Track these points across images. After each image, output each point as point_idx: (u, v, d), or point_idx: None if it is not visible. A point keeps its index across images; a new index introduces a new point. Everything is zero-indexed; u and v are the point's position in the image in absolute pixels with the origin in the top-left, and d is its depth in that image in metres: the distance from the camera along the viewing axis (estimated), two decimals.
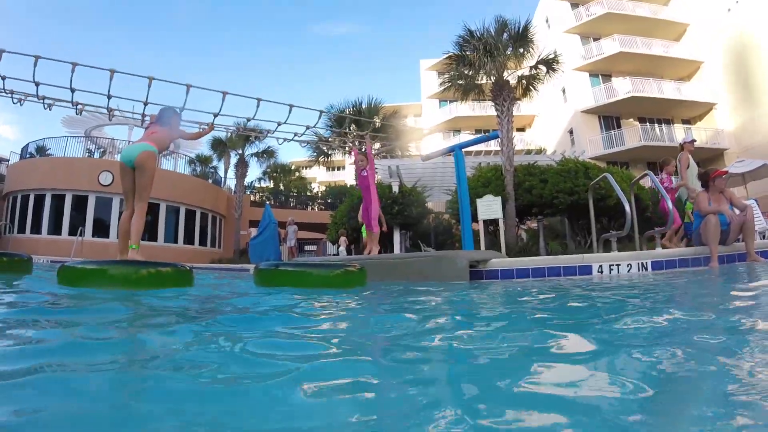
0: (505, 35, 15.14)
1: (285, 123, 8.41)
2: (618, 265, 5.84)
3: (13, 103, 7.98)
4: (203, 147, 29.52)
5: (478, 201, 11.45)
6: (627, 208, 6.49)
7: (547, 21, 32.82)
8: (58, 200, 20.79)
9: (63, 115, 26.30)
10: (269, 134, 8.86)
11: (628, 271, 5.84)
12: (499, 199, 12.41)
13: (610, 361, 1.46)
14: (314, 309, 3.12)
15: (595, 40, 31.26)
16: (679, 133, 29.83)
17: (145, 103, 7.40)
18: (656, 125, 30.15)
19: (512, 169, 13.74)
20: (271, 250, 15.01)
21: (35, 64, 6.76)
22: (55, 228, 20.48)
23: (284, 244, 18.70)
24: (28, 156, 24.15)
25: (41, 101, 7.76)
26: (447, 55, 15.37)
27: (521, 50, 15.15)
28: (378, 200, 8.01)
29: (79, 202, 20.89)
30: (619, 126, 30.32)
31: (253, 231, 17.40)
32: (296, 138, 8.56)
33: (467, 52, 15.05)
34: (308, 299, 3.49)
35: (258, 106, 7.72)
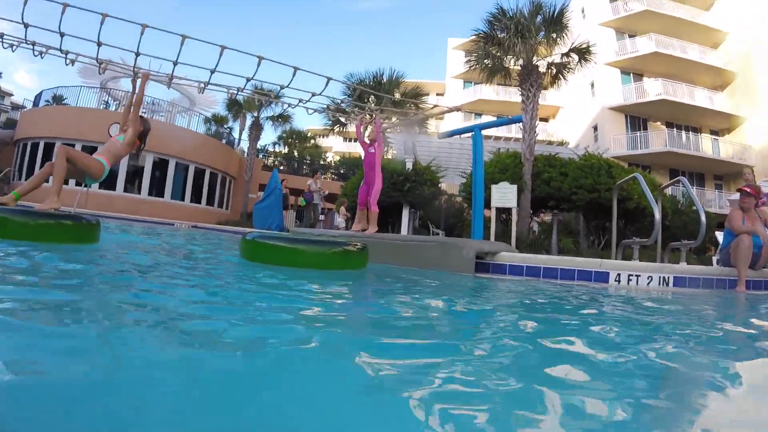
0: (538, 18, 14.42)
1: (292, 87, 7.82)
2: (638, 276, 5.35)
3: (34, 55, 7.50)
4: (219, 107, 29.09)
5: (493, 187, 10.92)
6: (657, 214, 5.94)
7: (582, 11, 31.70)
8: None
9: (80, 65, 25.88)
10: (279, 98, 8.26)
11: (648, 284, 5.34)
12: (515, 187, 11.85)
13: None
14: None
15: (630, 36, 30.29)
16: (706, 143, 29.08)
17: (137, 54, 6.81)
18: (683, 132, 29.29)
19: (532, 158, 13.18)
20: (275, 216, 14.64)
21: (63, 12, 6.25)
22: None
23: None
24: (43, 104, 23.78)
25: (64, 55, 7.23)
26: (475, 34, 14.67)
27: (554, 35, 14.45)
28: (382, 180, 7.44)
29: (89, 152, 20.52)
30: (645, 128, 29.51)
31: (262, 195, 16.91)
32: (302, 103, 7.90)
33: (497, 32, 14.38)
34: (287, 283, 3.05)
35: (275, 70, 7.01)
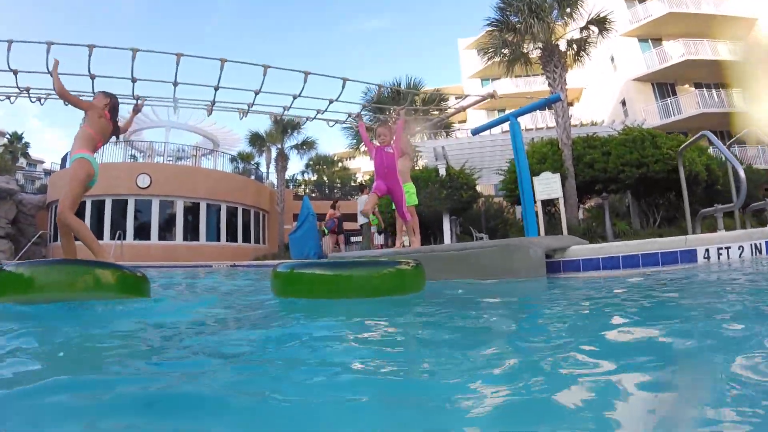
0: None
1: (325, 110, 7.31)
2: (728, 248, 4.64)
3: (32, 102, 7.20)
4: (242, 143, 29.14)
5: (535, 179, 10.27)
6: (741, 173, 5.16)
7: None
8: (99, 205, 20.56)
9: None
10: (309, 120, 7.70)
11: (740, 256, 4.64)
12: (557, 176, 11.21)
13: None
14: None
15: (640, 2, 29.19)
16: (738, 98, 27.65)
17: (133, 80, 6.39)
18: (713, 90, 27.97)
19: (570, 142, 12.49)
20: (312, 243, 14.21)
21: (48, 51, 5.90)
22: (97, 233, 20.26)
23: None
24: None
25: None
26: (488, 23, 14.09)
27: (568, 10, 13.77)
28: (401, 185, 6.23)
29: (119, 206, 20.62)
30: (674, 93, 28.33)
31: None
32: (320, 114, 7.36)
33: (510, 17, 13.77)
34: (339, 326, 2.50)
35: (305, 82, 6.40)
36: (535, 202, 10.16)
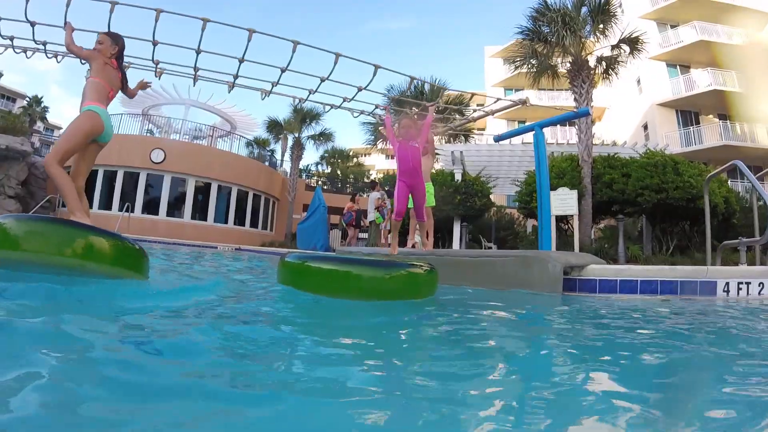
0: (584, 10, 13.60)
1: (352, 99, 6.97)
2: (748, 283, 4.48)
3: (48, 57, 7.04)
4: (259, 129, 29.09)
5: (552, 194, 10.08)
6: None
7: (620, 5, 30.42)
8: (110, 176, 20.56)
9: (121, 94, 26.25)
10: (334, 108, 7.34)
11: (759, 293, 4.47)
12: (575, 193, 11.06)
13: None
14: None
15: (672, 27, 28.88)
16: (761, 133, 27.26)
17: (154, 43, 6.07)
18: (738, 123, 27.59)
19: (590, 159, 12.30)
20: (320, 235, 14.12)
21: (68, 5, 5.66)
22: (106, 204, 20.29)
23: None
24: None
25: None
26: (519, 31, 13.91)
27: (601, 26, 13.57)
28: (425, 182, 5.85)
29: (131, 179, 20.60)
30: (698, 122, 28.00)
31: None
32: (347, 102, 7.07)
33: (542, 28, 13.58)
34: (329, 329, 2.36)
35: (336, 63, 6.04)
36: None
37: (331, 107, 7.14)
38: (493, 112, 7.84)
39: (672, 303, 4.10)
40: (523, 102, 7.71)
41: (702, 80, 27.06)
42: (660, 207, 11.31)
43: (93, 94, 3.77)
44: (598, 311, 3.57)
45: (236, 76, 6.60)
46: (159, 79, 6.28)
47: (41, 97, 41.51)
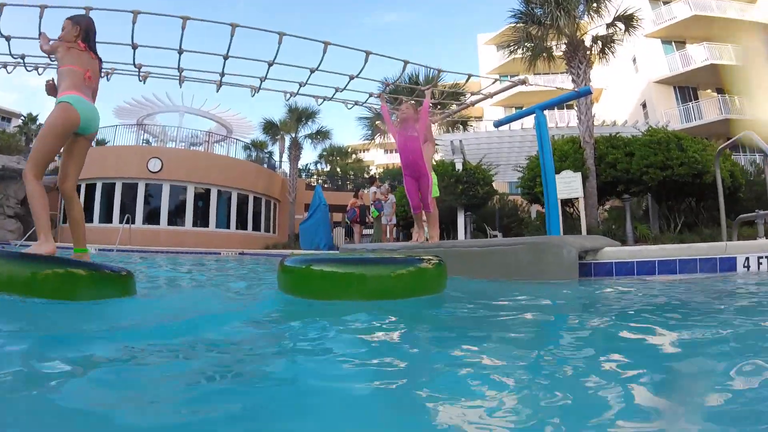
0: None
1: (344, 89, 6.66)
2: None
3: (28, 70, 6.82)
4: (256, 131, 28.94)
5: (556, 177, 9.92)
6: None
7: None
8: (109, 188, 20.42)
9: (114, 106, 26.22)
10: (326, 100, 6.98)
11: None
12: (579, 175, 10.88)
13: None
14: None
15: (665, 3, 28.64)
16: (762, 105, 27.05)
17: (134, 47, 5.78)
18: (736, 97, 27.36)
19: (592, 141, 12.10)
20: (322, 234, 13.96)
21: (41, 16, 5.42)
22: (106, 216, 20.15)
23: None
24: None
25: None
26: (512, 14, 13.69)
27: (595, 4, 13.32)
28: (431, 172, 5.81)
29: (129, 190, 20.44)
30: (696, 98, 27.75)
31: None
32: (339, 92, 6.78)
33: (535, 10, 13.35)
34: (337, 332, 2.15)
35: (325, 53, 5.73)
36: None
37: (324, 99, 6.86)
38: (491, 95, 7.63)
39: (699, 283, 3.91)
40: (523, 81, 7.51)
41: (698, 55, 26.84)
42: (666, 184, 11.12)
43: (63, 83, 3.37)
44: (627, 297, 3.39)
45: (222, 74, 6.33)
46: (143, 83, 6.05)
47: (36, 115, 41.27)
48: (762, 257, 4.30)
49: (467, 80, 6.86)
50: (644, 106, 29.36)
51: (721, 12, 27.03)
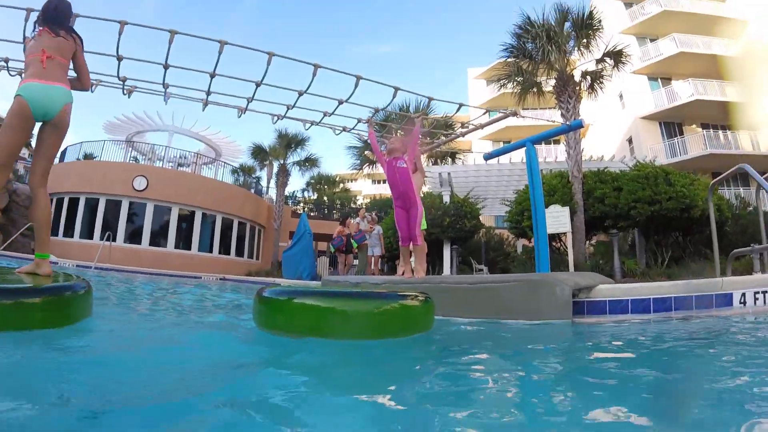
0: (567, 24, 13.52)
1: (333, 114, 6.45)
2: (765, 292, 4.18)
3: (11, 75, 6.50)
4: (244, 156, 28.76)
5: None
6: None
7: (599, 21, 30.79)
8: (92, 204, 20.05)
9: (104, 121, 25.98)
10: (314, 124, 6.72)
11: None
12: (567, 209, 10.81)
13: None
14: None
15: (651, 40, 29.29)
16: (744, 139, 27.53)
17: (119, 59, 5.55)
18: (720, 131, 27.84)
19: (580, 175, 12.09)
20: (306, 263, 13.70)
21: (26, 19, 5.11)
22: (88, 232, 19.73)
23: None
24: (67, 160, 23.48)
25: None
26: (504, 48, 13.79)
27: (585, 40, 13.49)
28: (421, 204, 5.55)
29: (113, 207, 20.07)
30: (681, 133, 28.20)
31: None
32: (327, 116, 6.53)
33: (526, 44, 13.46)
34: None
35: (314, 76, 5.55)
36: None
37: (312, 123, 6.65)
38: (482, 126, 7.51)
39: (700, 321, 3.77)
40: (514, 113, 7.41)
41: (684, 91, 27.32)
42: (653, 219, 11.11)
43: (26, 73, 3.19)
44: (627, 341, 3.22)
45: (209, 92, 6.08)
46: (129, 97, 5.82)
47: None
48: (759, 292, 4.18)
49: (458, 109, 6.73)
50: (630, 141, 29.73)
51: (706, 48, 27.64)
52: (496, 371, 2.25)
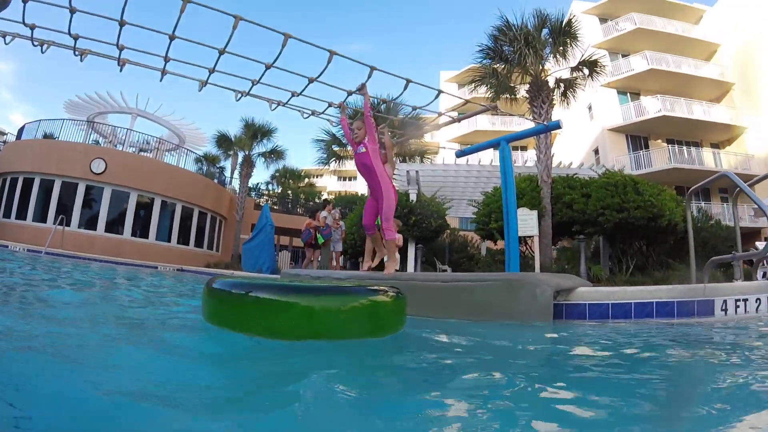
0: (545, 31, 13.45)
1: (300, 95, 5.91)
2: (745, 300, 4.07)
3: (6, 44, 5.86)
4: (208, 144, 28.01)
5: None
6: None
7: (577, 31, 31.19)
8: (47, 185, 19.13)
9: (65, 100, 24.91)
10: (280, 105, 6.15)
11: (757, 310, 4.08)
12: (535, 213, 10.70)
13: None
14: None
15: (623, 56, 29.85)
16: (707, 156, 28.48)
17: (172, 37, 4.92)
18: (684, 147, 28.58)
19: (550, 180, 12.02)
20: (266, 256, 13.29)
21: None
22: (41, 216, 18.79)
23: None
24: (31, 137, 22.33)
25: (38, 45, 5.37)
26: (480, 49, 13.63)
27: (561, 48, 13.45)
28: (395, 192, 5.14)
29: (69, 190, 19.17)
30: (647, 146, 28.85)
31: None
32: (292, 102, 5.99)
33: (503, 47, 13.33)
34: None
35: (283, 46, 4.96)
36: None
37: (278, 104, 6.17)
38: (458, 119, 7.24)
39: (688, 328, 3.60)
40: (495, 107, 7.16)
41: (652, 106, 27.97)
42: (621, 226, 11.10)
43: None
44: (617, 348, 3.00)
45: (167, 59, 5.33)
46: (81, 60, 5.23)
47: None
48: (740, 300, 4.07)
49: (438, 96, 6.43)
50: (596, 151, 30.24)
51: (676, 67, 28.27)
52: (471, 381, 1.96)
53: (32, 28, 4.81)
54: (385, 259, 5.18)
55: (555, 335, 3.22)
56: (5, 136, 40.56)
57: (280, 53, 5.08)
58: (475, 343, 2.93)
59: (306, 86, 5.72)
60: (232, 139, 25.90)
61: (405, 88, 5.83)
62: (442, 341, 2.93)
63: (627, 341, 3.15)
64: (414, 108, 7.06)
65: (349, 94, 5.85)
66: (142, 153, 24.46)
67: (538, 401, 1.62)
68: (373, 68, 5.43)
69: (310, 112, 6.45)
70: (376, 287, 2.69)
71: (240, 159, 26.30)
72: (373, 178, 4.84)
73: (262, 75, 5.47)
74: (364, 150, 4.88)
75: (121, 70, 5.26)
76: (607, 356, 2.63)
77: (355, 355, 2.27)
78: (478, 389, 1.75)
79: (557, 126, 6.15)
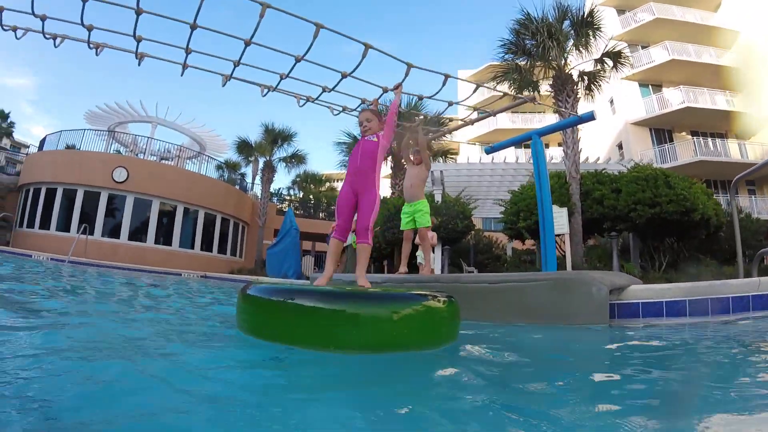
0: (566, 23, 13.17)
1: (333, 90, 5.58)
2: None
3: (17, 38, 5.75)
4: (229, 151, 28.09)
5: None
6: None
7: (600, 21, 30.71)
8: (70, 195, 19.31)
9: (86, 110, 25.18)
10: (310, 101, 5.81)
11: None
12: (565, 210, 10.41)
13: None
14: None
15: (643, 47, 29.25)
16: (733, 148, 27.61)
17: (188, 50, 4.70)
18: (710, 139, 27.84)
19: (578, 176, 11.72)
20: (291, 261, 13.13)
21: None
22: (64, 224, 18.95)
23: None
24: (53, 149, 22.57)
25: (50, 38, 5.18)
26: (501, 44, 13.36)
27: (584, 39, 13.13)
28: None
29: (91, 199, 19.32)
30: (671, 139, 28.15)
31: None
32: (323, 98, 5.60)
33: (525, 41, 13.07)
34: None
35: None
36: (539, 236, 9.32)
37: (308, 100, 5.95)
38: (495, 113, 7.02)
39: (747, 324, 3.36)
40: (532, 99, 6.92)
41: (674, 98, 27.34)
42: (653, 222, 10.76)
43: None
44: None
45: (188, 51, 4.92)
46: (139, 64, 5.06)
47: (8, 113, 39.66)
48: None
49: (476, 89, 6.19)
50: (620, 146, 29.68)
51: (697, 57, 27.72)
52: (535, 395, 1.77)
53: (43, 19, 4.61)
54: (418, 261, 4.97)
55: (637, 342, 2.94)
56: (27, 149, 41.59)
57: (311, 45, 4.74)
58: (527, 346, 2.73)
59: (339, 81, 5.45)
60: (253, 144, 25.90)
61: (444, 83, 5.58)
62: (493, 348, 2.69)
63: (714, 344, 2.90)
64: (450, 103, 6.88)
65: (385, 91, 5.58)
66: (163, 161, 24.59)
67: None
68: (410, 65, 5.13)
69: (340, 109, 6.23)
70: (425, 292, 2.43)
71: (261, 164, 26.30)
72: (369, 173, 4.15)
73: (292, 68, 5.17)
74: (375, 140, 4.20)
75: (139, 64, 5.10)
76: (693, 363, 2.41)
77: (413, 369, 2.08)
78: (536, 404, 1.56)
79: (591, 117, 5.90)
